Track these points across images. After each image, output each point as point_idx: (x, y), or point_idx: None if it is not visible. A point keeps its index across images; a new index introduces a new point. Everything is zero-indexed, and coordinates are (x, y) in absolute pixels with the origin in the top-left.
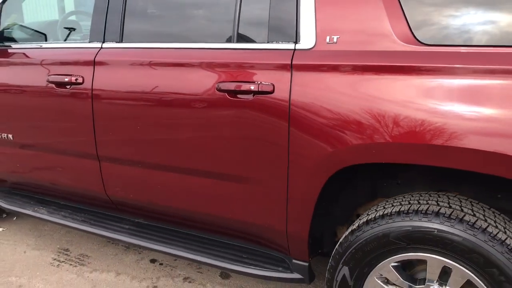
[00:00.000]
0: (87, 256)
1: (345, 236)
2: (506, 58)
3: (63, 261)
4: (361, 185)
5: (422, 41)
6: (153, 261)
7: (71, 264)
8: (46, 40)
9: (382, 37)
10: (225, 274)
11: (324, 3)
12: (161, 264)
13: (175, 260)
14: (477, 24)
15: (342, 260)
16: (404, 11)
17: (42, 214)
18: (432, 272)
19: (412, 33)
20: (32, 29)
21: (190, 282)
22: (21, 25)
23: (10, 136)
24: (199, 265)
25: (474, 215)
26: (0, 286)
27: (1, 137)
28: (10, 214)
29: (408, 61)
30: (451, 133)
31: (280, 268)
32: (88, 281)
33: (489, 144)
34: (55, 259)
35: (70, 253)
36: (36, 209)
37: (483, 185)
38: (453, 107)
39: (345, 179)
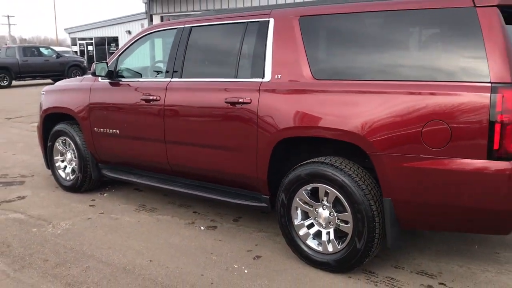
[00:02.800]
0: (156, 208)
1: (284, 178)
2: (343, 85)
3: (141, 210)
4: (301, 155)
5: (315, 78)
6: (194, 212)
7: (145, 211)
8: (141, 77)
9: (300, 76)
10: (235, 218)
11: (275, 61)
12: (199, 213)
13: (208, 212)
14: (337, 70)
15: (282, 189)
16: (309, 65)
17: (132, 178)
18: (322, 194)
19: (312, 74)
20: (134, 71)
21: (214, 221)
22: (128, 68)
23: (117, 131)
24: (221, 214)
25: (340, 164)
26: (106, 218)
27: (112, 131)
28: (110, 187)
29: (308, 87)
30: (318, 119)
31: (256, 201)
32: (154, 219)
33: (336, 125)
34: (136, 209)
35: (146, 206)
36: (128, 176)
37: (360, 156)
38: (324, 108)
39: (291, 151)
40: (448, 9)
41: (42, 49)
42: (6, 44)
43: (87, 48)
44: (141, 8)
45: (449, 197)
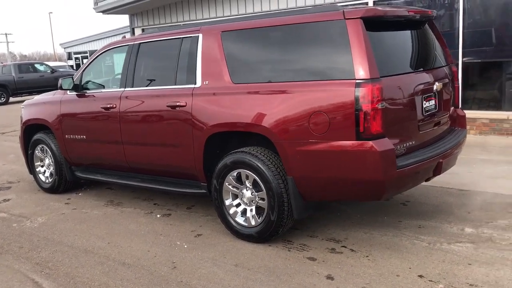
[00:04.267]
0: (122, 203)
1: (216, 167)
2: (253, 87)
3: (109, 205)
4: (231, 147)
5: (234, 82)
6: (155, 204)
7: (112, 206)
8: (104, 88)
9: (222, 81)
10: (189, 207)
11: (204, 69)
12: (158, 205)
13: (166, 203)
14: (250, 74)
15: (214, 176)
16: (229, 71)
17: (99, 177)
18: (244, 177)
19: (231, 79)
20: (97, 83)
21: (170, 210)
22: (92, 81)
23: (84, 136)
24: (178, 204)
25: (256, 152)
26: (77, 213)
27: (80, 137)
28: (85, 188)
29: (228, 90)
30: (235, 116)
31: (197, 189)
32: (119, 211)
33: (247, 120)
34: (105, 204)
35: (113, 201)
36: (95, 175)
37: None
38: (239, 107)
39: (222, 145)
40: (326, 22)
41: (37, 65)
42: (2, 63)
43: (82, 61)
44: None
45: (332, 172)
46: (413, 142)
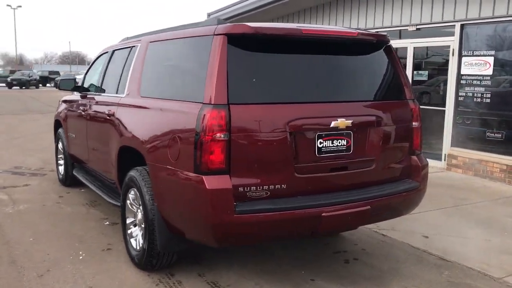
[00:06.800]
0: (100, 204)
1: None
2: (140, 102)
3: (87, 204)
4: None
5: (141, 95)
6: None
7: (88, 206)
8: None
9: (135, 93)
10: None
11: (131, 80)
12: (105, 218)
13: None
14: (148, 88)
15: (121, 192)
16: (140, 85)
17: (79, 176)
18: (135, 194)
19: (140, 92)
20: (95, 85)
21: (108, 221)
22: (92, 83)
23: (74, 135)
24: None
25: (144, 171)
26: (55, 207)
27: (72, 136)
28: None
29: (134, 103)
30: (130, 132)
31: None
32: (87, 212)
33: (134, 136)
34: (85, 203)
35: (96, 202)
36: (79, 173)
37: None
38: (134, 122)
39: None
40: (198, 37)
41: None
42: None
43: None
44: None
45: (180, 206)
46: (284, 186)
